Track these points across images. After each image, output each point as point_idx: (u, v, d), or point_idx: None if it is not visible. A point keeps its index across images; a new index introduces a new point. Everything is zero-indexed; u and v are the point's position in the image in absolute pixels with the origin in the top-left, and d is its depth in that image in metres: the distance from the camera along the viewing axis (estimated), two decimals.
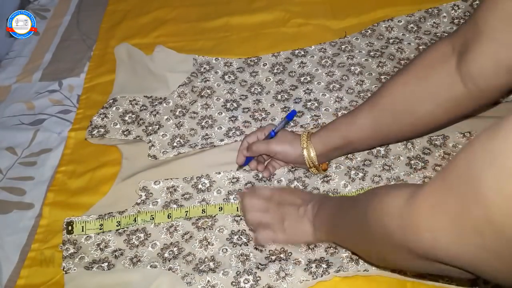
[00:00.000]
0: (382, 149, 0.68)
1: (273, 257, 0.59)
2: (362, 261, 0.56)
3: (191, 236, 0.62)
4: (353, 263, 0.57)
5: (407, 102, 0.57)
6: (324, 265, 0.57)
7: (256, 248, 0.60)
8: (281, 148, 0.64)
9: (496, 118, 0.68)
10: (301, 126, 0.72)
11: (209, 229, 0.62)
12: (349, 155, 0.68)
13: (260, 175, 0.67)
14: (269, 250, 0.60)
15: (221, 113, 0.76)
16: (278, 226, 0.59)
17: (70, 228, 0.63)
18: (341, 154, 0.66)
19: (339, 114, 0.73)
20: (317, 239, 0.58)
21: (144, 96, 0.79)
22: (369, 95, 0.75)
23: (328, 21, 0.91)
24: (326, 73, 0.80)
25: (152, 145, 0.72)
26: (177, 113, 0.76)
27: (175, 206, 0.65)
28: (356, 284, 0.57)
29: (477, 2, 0.85)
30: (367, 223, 0.44)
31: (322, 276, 0.56)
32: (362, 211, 0.45)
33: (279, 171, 0.68)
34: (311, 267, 0.57)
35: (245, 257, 0.59)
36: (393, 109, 0.58)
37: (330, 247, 0.59)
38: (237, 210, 0.64)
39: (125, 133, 0.74)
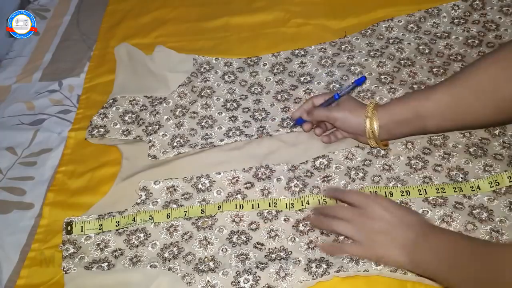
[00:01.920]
0: (382, 149, 0.68)
1: (273, 255, 0.59)
2: (362, 261, 0.56)
3: (190, 236, 0.62)
4: (353, 263, 0.57)
5: (494, 80, 0.55)
6: (324, 265, 0.57)
7: (255, 247, 0.60)
8: (342, 115, 0.63)
9: None
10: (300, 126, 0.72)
11: (209, 229, 0.62)
12: (349, 155, 0.68)
13: (260, 175, 0.67)
14: (269, 249, 0.60)
15: (221, 113, 0.76)
16: (367, 243, 0.55)
17: (69, 228, 0.63)
18: (408, 132, 0.63)
19: None
20: (408, 269, 0.54)
21: (144, 96, 0.79)
22: (369, 95, 0.75)
23: (328, 21, 0.91)
24: (326, 73, 0.80)
25: (152, 145, 0.72)
26: (177, 113, 0.76)
27: (175, 206, 0.65)
28: (356, 284, 0.57)
29: (477, 2, 0.85)
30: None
31: (322, 276, 0.56)
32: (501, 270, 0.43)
33: (279, 169, 0.68)
34: (311, 267, 0.57)
35: (244, 257, 0.59)
36: (477, 87, 0.56)
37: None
38: (235, 208, 0.64)
39: (125, 133, 0.74)
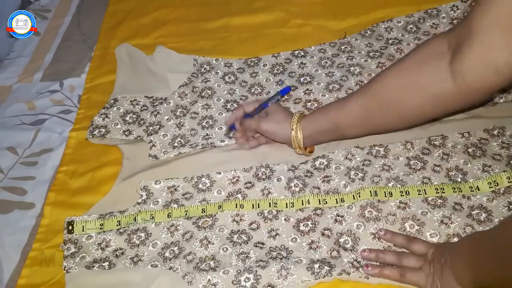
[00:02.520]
0: (381, 149, 0.68)
1: (274, 253, 0.59)
2: (362, 268, 0.57)
3: (191, 236, 0.62)
4: (354, 269, 0.57)
5: (396, 93, 0.58)
6: (327, 267, 0.57)
7: (256, 246, 0.60)
8: (271, 128, 0.67)
9: (496, 119, 0.69)
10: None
11: (209, 228, 0.63)
12: (349, 155, 0.68)
13: (260, 174, 0.68)
14: (270, 247, 0.60)
15: (222, 113, 0.77)
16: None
17: (70, 227, 0.64)
18: (330, 139, 0.68)
19: None
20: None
21: (145, 96, 0.80)
22: None
23: (328, 21, 0.91)
24: (325, 74, 0.80)
25: (153, 145, 0.73)
26: (177, 113, 0.77)
27: (175, 205, 0.65)
28: (357, 287, 0.57)
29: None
30: None
31: (324, 277, 0.56)
32: None
33: (279, 169, 0.68)
34: (314, 267, 0.57)
35: (245, 256, 0.59)
36: (382, 98, 0.59)
37: (333, 250, 0.59)
38: (236, 207, 0.64)
39: (126, 133, 0.75)
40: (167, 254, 0.61)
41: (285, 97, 0.77)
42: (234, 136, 0.72)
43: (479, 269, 0.49)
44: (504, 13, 0.47)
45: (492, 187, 0.62)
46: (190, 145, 0.72)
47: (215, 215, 0.64)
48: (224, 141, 0.72)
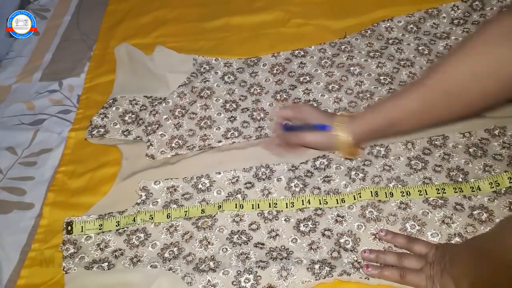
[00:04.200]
0: (382, 149, 0.68)
1: (274, 254, 0.59)
2: (363, 269, 0.56)
3: (191, 236, 0.62)
4: (355, 269, 0.57)
5: (462, 79, 0.54)
6: (327, 267, 0.57)
7: (256, 246, 0.60)
8: (315, 138, 0.64)
9: (497, 119, 0.69)
10: None
11: (209, 229, 0.62)
12: None
13: (260, 175, 0.67)
14: (270, 248, 0.60)
15: (220, 113, 0.76)
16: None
17: (69, 228, 0.63)
18: (383, 137, 0.65)
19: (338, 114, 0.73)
20: None
21: (144, 96, 0.79)
22: (368, 95, 0.75)
23: (328, 21, 0.91)
24: (325, 74, 0.80)
25: (151, 145, 0.72)
26: (176, 113, 0.76)
27: (175, 206, 0.65)
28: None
29: (476, 2, 0.85)
30: None
31: (325, 278, 0.56)
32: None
33: (279, 169, 0.68)
34: (314, 268, 0.57)
35: (245, 256, 0.59)
36: (446, 87, 0.55)
37: (334, 251, 0.59)
38: (236, 208, 0.64)
39: (125, 133, 0.74)
40: (166, 255, 0.61)
41: (285, 96, 0.77)
42: (266, 145, 0.70)
43: (477, 278, 0.48)
44: None
45: (493, 187, 0.62)
46: (187, 146, 0.72)
47: (214, 216, 0.64)
48: (221, 141, 0.72)
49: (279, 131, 0.69)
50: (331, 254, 0.58)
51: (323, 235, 0.60)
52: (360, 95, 0.75)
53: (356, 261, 0.57)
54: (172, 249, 0.61)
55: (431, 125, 0.65)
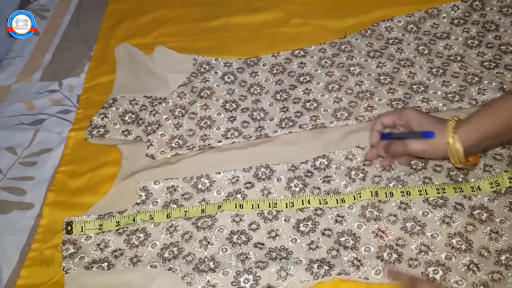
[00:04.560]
0: None
1: (274, 254, 0.59)
2: (362, 268, 0.56)
3: (190, 236, 0.62)
4: (354, 268, 0.57)
5: None
6: (326, 267, 0.57)
7: (256, 246, 0.60)
8: (422, 146, 0.57)
9: None
10: (300, 127, 0.72)
11: (209, 229, 0.62)
12: (349, 155, 0.68)
13: (260, 175, 0.67)
14: (269, 248, 0.60)
15: (220, 113, 0.76)
16: None
17: (69, 228, 0.63)
18: (499, 144, 0.59)
19: (338, 114, 0.73)
20: None
21: (144, 96, 0.79)
22: (368, 95, 0.75)
23: (328, 21, 0.91)
24: (325, 73, 0.80)
25: (151, 145, 0.72)
26: (176, 113, 0.76)
27: (175, 206, 0.65)
28: (356, 287, 0.57)
29: (476, 2, 0.85)
30: None
31: (323, 277, 0.56)
32: None
33: (279, 169, 0.68)
34: (313, 267, 0.57)
35: (244, 256, 0.59)
36: None
37: (333, 249, 0.59)
38: (235, 207, 0.64)
39: (125, 133, 0.74)
40: (166, 255, 0.61)
41: (285, 96, 0.77)
42: (367, 157, 0.66)
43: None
44: None
45: (493, 187, 0.62)
46: (187, 146, 0.72)
47: (214, 216, 0.64)
48: (221, 141, 0.72)
49: (377, 139, 0.64)
50: (330, 253, 0.58)
51: (323, 234, 0.60)
52: (360, 95, 0.75)
53: (356, 259, 0.57)
54: (172, 249, 0.61)
55: None
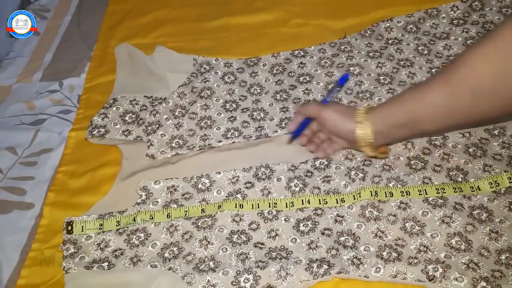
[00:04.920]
0: None
1: (274, 254, 0.59)
2: (362, 266, 0.57)
3: (191, 236, 0.62)
4: (354, 266, 0.57)
5: (491, 79, 0.48)
6: (325, 266, 0.57)
7: (256, 246, 0.60)
8: (333, 117, 0.59)
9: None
10: None
11: (209, 228, 0.63)
12: (349, 155, 0.68)
13: (260, 174, 0.68)
14: (269, 248, 0.60)
15: (220, 114, 0.76)
16: None
17: (70, 228, 0.63)
18: (406, 136, 0.60)
19: None
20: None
21: (144, 96, 0.79)
22: (368, 95, 0.75)
23: (328, 21, 0.91)
24: (325, 74, 0.80)
25: (151, 145, 0.73)
26: (176, 113, 0.77)
27: (175, 206, 0.65)
28: (356, 285, 0.57)
29: (476, 3, 0.85)
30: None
31: (323, 276, 0.56)
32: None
33: (279, 169, 0.68)
34: (313, 267, 0.57)
35: (245, 256, 0.59)
36: (473, 86, 0.50)
37: (332, 248, 0.59)
38: (235, 207, 0.64)
39: (125, 133, 0.75)
40: (166, 255, 0.61)
41: (284, 96, 0.77)
42: (301, 142, 0.68)
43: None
44: None
45: (493, 187, 0.62)
46: (187, 146, 0.72)
47: (214, 215, 0.64)
48: (221, 141, 0.72)
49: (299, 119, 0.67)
50: (329, 252, 0.59)
51: (323, 234, 0.61)
52: (359, 95, 0.75)
53: (356, 257, 0.57)
54: (172, 248, 0.61)
55: (456, 127, 0.59)
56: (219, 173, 0.68)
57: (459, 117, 0.54)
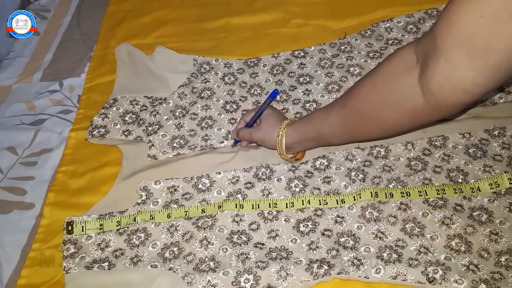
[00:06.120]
0: (382, 150, 0.68)
1: (274, 254, 0.59)
2: (362, 267, 0.57)
3: (191, 236, 0.62)
4: (354, 267, 0.57)
5: (373, 107, 0.57)
6: (325, 266, 0.57)
7: (256, 246, 0.60)
8: (261, 137, 0.68)
9: (497, 119, 0.69)
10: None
11: (209, 229, 0.63)
12: (349, 156, 0.68)
13: (260, 175, 0.68)
14: (269, 248, 0.60)
15: (221, 114, 0.76)
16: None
17: (70, 228, 0.63)
18: (317, 145, 0.69)
19: None
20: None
21: (145, 97, 0.79)
22: None
23: (328, 21, 0.91)
24: (325, 74, 0.80)
25: (152, 145, 0.73)
26: (177, 113, 0.77)
27: (175, 206, 0.65)
28: (356, 286, 0.57)
29: None
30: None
31: (323, 277, 0.56)
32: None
33: (279, 169, 0.68)
34: (313, 267, 0.57)
35: (245, 256, 0.59)
36: (359, 111, 0.59)
37: (332, 249, 0.59)
38: (236, 208, 0.64)
39: (125, 133, 0.75)
40: (167, 255, 0.61)
41: (284, 97, 0.77)
42: (241, 145, 0.71)
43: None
44: (467, 33, 0.44)
45: (493, 188, 0.62)
46: (189, 146, 0.72)
47: (215, 216, 0.64)
48: (222, 142, 0.72)
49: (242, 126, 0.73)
50: (330, 253, 0.59)
51: (323, 235, 0.61)
52: None
53: (356, 258, 0.57)
54: (172, 249, 0.61)
55: (355, 141, 0.69)
56: (219, 173, 0.68)
57: (352, 134, 0.64)
